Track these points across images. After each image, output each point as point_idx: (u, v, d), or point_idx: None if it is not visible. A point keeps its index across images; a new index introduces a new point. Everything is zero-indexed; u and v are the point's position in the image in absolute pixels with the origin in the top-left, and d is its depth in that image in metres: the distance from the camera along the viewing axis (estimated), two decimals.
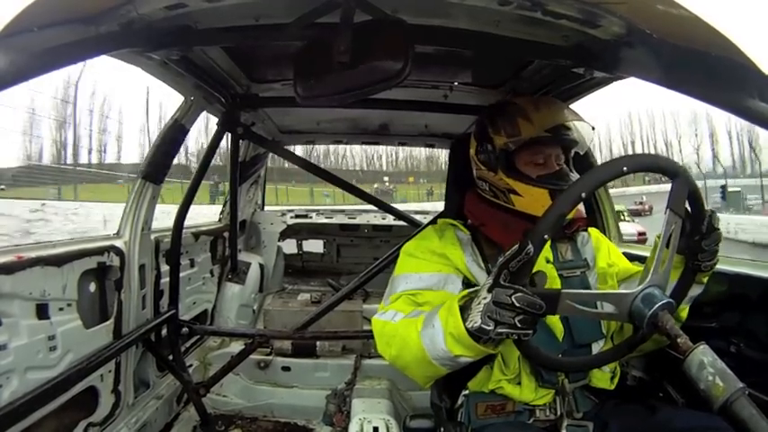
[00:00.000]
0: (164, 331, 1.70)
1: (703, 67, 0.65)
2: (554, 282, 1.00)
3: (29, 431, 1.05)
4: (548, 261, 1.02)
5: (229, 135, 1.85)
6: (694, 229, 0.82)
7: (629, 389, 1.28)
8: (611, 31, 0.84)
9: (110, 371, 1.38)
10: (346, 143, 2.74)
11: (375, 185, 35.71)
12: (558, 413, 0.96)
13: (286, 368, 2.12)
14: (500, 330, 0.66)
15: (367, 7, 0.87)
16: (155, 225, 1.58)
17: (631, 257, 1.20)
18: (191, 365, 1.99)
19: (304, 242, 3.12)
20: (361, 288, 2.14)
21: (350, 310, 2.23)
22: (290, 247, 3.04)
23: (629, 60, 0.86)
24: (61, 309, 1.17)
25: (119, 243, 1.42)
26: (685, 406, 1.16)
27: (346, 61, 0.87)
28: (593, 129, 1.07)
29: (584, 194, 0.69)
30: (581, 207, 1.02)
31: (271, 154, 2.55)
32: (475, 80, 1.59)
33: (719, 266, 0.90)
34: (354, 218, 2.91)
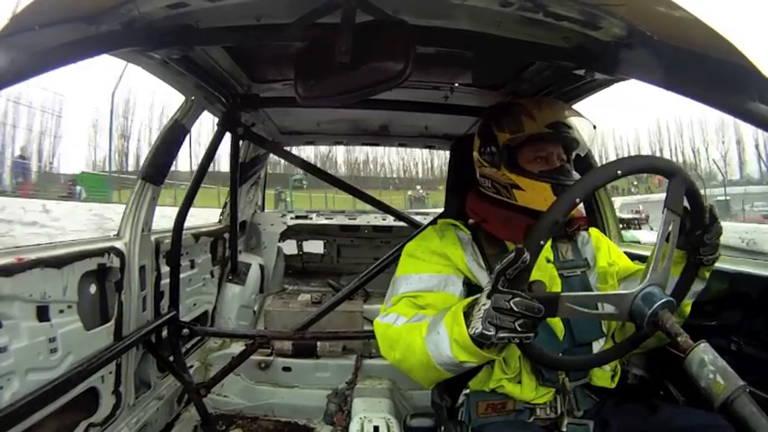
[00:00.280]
0: (164, 332, 1.70)
1: (703, 69, 0.66)
2: (554, 281, 1.00)
3: None
4: (548, 261, 1.02)
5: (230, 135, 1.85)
6: (696, 224, 0.84)
7: (629, 387, 1.28)
8: (612, 33, 0.85)
9: (110, 372, 1.37)
10: (346, 144, 2.74)
11: (409, 192, 35.70)
12: (559, 412, 0.97)
13: (287, 368, 2.12)
14: (501, 335, 0.67)
15: (368, 8, 0.87)
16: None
17: (632, 257, 1.20)
18: (191, 366, 1.99)
19: (304, 243, 3.11)
20: (361, 288, 2.13)
21: (350, 310, 2.22)
22: (290, 247, 3.03)
23: (629, 62, 0.86)
24: (61, 311, 1.17)
25: (119, 244, 1.41)
26: (686, 404, 1.17)
27: (347, 62, 0.87)
28: (595, 127, 1.09)
29: (578, 200, 0.70)
30: (581, 206, 1.03)
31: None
32: (475, 81, 1.59)
33: (720, 265, 0.91)
34: (354, 218, 2.90)
